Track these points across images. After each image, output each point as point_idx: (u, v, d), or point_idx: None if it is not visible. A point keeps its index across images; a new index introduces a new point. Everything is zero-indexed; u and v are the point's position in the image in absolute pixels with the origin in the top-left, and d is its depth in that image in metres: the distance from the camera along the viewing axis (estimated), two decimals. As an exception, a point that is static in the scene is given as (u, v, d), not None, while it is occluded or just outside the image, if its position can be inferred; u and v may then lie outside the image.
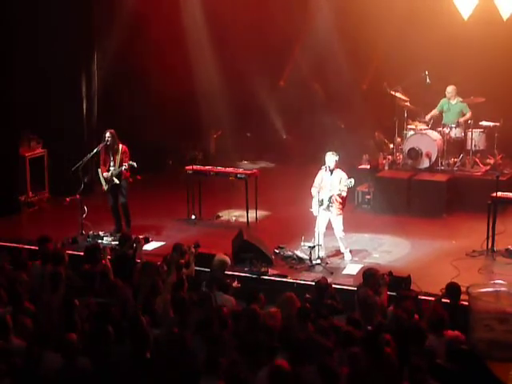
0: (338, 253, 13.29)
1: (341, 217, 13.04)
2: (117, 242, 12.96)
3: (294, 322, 8.98)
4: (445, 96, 16.81)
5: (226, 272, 11.39)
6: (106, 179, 14.16)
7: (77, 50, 16.72)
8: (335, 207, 12.92)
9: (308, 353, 7.72)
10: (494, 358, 2.48)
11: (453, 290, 9.95)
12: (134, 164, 14.07)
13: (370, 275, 10.48)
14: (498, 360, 2.48)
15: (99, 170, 14.27)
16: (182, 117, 18.80)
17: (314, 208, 12.94)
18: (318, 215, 12.96)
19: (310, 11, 19.22)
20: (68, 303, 9.12)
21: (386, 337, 8.24)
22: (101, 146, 14.15)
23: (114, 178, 14.11)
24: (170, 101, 17.87)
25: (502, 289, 2.79)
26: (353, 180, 12.93)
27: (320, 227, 12.98)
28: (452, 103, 16.76)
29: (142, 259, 11.57)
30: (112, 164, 14.10)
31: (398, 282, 11.21)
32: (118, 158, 14.08)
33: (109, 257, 11.43)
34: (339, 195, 12.82)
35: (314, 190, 12.95)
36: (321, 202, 12.85)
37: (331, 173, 12.89)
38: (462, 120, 16.58)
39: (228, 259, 11.50)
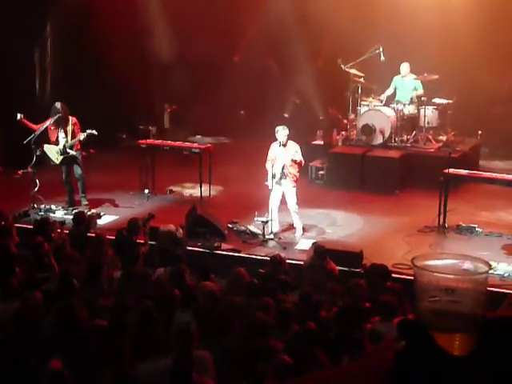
0: (291, 228, 13.29)
1: (295, 190, 13.04)
2: (69, 217, 12.89)
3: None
4: (399, 73, 16.90)
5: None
6: (59, 151, 13.96)
7: (29, 23, 16.44)
8: (289, 180, 12.93)
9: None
10: (439, 327, 2.50)
11: (375, 270, 9.95)
12: (94, 132, 13.88)
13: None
14: (444, 330, 2.49)
15: (45, 146, 14.03)
16: (135, 91, 18.62)
17: (269, 182, 12.95)
18: (272, 189, 12.99)
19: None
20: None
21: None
22: (55, 117, 13.93)
23: (69, 150, 13.95)
24: (123, 75, 17.69)
25: (448, 261, 2.82)
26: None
27: (274, 202, 12.98)
28: (405, 80, 16.85)
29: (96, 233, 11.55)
30: (63, 136, 13.92)
31: (351, 258, 11.32)
32: (69, 129, 13.91)
33: (58, 230, 11.34)
34: (295, 161, 12.85)
35: (268, 165, 12.96)
36: (273, 175, 12.86)
37: (284, 146, 12.92)
38: (414, 95, 16.68)
39: (173, 227, 11.35)
